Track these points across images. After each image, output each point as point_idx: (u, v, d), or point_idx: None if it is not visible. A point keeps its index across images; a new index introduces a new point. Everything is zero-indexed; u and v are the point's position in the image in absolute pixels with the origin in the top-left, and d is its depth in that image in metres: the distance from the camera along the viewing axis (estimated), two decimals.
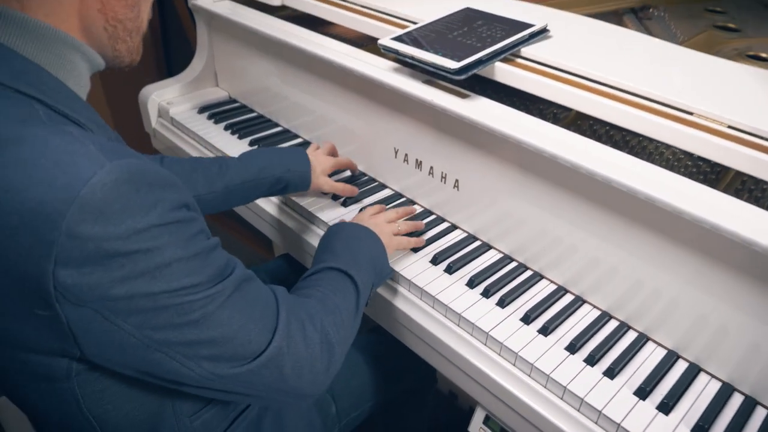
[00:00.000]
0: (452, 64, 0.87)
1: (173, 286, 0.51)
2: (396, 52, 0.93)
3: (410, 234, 0.93)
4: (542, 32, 0.98)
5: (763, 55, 1.30)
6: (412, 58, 0.91)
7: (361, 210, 1.00)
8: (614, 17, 1.49)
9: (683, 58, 0.93)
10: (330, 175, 1.03)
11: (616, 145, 0.91)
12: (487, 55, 0.90)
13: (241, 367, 0.57)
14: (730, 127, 0.76)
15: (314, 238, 0.98)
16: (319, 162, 1.00)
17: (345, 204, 1.03)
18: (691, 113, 0.79)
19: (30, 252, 0.47)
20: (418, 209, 1.02)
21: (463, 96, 0.90)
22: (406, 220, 0.95)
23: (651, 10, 1.52)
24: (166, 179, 0.52)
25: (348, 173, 1.10)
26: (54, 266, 0.47)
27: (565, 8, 1.44)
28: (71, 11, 0.56)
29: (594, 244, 0.80)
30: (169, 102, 1.35)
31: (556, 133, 0.82)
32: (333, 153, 1.07)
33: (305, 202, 1.03)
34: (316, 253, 0.81)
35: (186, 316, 0.53)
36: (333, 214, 1.00)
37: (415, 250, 0.92)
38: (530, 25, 0.97)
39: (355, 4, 1.17)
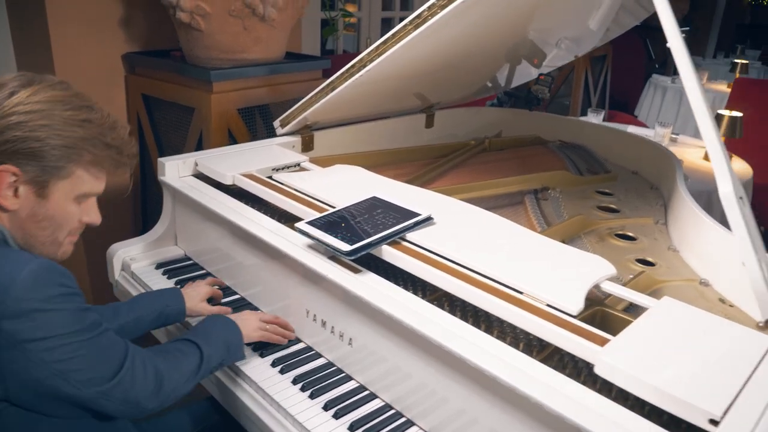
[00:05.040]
0: (345, 247, 1.11)
1: (69, 330, 0.84)
2: (307, 234, 1.18)
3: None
4: (427, 220, 1.23)
5: (630, 234, 1.57)
6: (318, 240, 1.16)
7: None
8: (519, 196, 1.79)
9: (534, 243, 1.18)
10: None
11: (475, 315, 1.12)
12: (376, 239, 1.14)
13: (102, 386, 0.89)
14: (548, 305, 0.98)
15: None
16: (197, 293, 1.33)
17: None
18: (521, 292, 1.01)
19: None
20: (322, 361, 1.20)
21: (356, 271, 1.13)
22: None
23: (549, 191, 1.82)
24: (66, 272, 0.87)
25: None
26: (0, 319, 0.80)
27: (478, 189, 1.74)
28: (5, 217, 0.92)
29: (464, 396, 0.97)
30: (132, 258, 1.57)
31: (423, 308, 1.03)
32: (216, 284, 1.42)
33: (194, 321, 1.32)
34: (188, 331, 1.15)
35: (75, 352, 0.85)
36: None
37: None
38: (417, 215, 1.23)
39: (290, 188, 1.44)
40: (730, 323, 0.94)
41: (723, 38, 8.09)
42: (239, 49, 2.04)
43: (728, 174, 0.97)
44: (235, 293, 1.45)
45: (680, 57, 1.00)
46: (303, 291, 1.23)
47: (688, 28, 6.63)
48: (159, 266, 1.56)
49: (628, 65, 5.77)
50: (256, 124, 2.24)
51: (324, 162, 1.72)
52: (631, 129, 3.06)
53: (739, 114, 2.67)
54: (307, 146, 1.87)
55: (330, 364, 1.19)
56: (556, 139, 2.40)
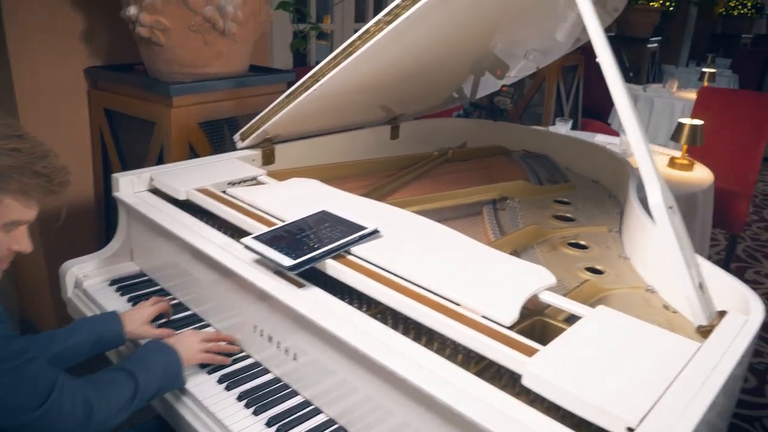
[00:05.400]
0: (288, 261, 1.11)
1: None
2: (252, 249, 1.18)
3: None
4: (373, 233, 1.24)
5: (582, 243, 1.59)
6: (262, 255, 1.16)
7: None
8: (477, 206, 1.80)
9: (479, 254, 1.19)
10: None
11: (418, 328, 1.13)
12: (319, 254, 1.14)
13: (26, 416, 0.89)
14: (483, 317, 0.99)
15: None
16: (140, 315, 1.30)
17: None
18: (458, 304, 1.02)
19: None
20: (269, 377, 1.20)
21: (300, 285, 1.13)
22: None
23: (508, 201, 1.84)
24: None
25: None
26: None
27: (436, 200, 1.75)
28: None
29: (407, 408, 0.96)
30: (86, 275, 1.56)
31: (363, 323, 1.03)
32: (160, 302, 1.36)
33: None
34: (125, 358, 1.14)
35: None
36: None
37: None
38: (363, 228, 1.23)
39: (243, 202, 1.44)
40: (660, 330, 0.95)
41: (696, 47, 8.23)
42: (200, 64, 2.05)
43: (657, 184, 0.99)
44: (188, 309, 1.44)
45: (609, 71, 1.02)
46: (250, 306, 1.23)
47: (659, 38, 6.74)
48: (113, 283, 1.55)
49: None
50: (224, 137, 2.24)
51: (285, 175, 1.72)
52: (600, 137, 3.10)
53: (699, 122, 2.72)
54: (268, 160, 1.87)
55: (276, 380, 1.19)
56: (520, 149, 2.43)
